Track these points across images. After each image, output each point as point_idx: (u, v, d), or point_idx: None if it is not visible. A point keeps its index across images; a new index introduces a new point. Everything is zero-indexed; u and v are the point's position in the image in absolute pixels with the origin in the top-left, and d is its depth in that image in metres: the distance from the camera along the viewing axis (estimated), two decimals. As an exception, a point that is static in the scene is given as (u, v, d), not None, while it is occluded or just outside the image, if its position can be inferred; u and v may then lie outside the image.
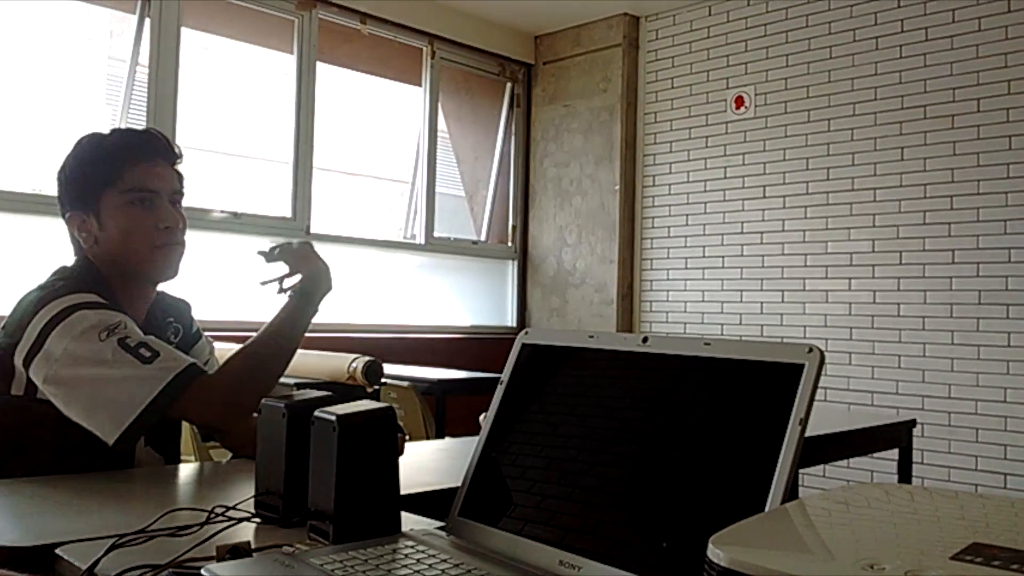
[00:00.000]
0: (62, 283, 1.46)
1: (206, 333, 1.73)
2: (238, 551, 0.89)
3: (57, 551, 0.94)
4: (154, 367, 1.36)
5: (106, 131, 1.59)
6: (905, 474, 2.83)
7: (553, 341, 1.07)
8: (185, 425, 1.69)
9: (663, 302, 4.91)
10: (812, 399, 0.79)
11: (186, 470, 1.52)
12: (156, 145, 1.55)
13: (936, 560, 0.57)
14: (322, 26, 4.49)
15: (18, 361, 1.39)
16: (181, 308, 1.69)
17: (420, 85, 5.05)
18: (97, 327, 1.37)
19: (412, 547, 0.94)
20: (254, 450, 1.14)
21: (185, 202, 1.60)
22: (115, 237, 1.50)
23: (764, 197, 4.50)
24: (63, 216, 1.54)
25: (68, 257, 1.57)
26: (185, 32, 4.00)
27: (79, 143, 1.55)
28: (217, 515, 1.02)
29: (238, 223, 4.12)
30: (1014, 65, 3.74)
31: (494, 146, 5.51)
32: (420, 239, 4.98)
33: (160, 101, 3.87)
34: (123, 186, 1.50)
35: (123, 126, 3.71)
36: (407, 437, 1.45)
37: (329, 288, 1.57)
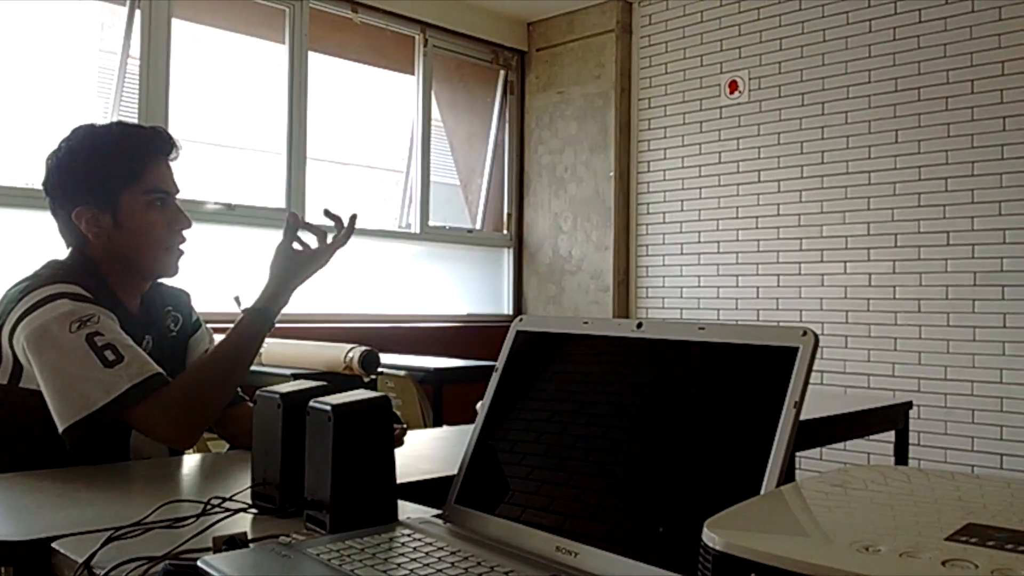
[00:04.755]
0: (49, 273, 1.46)
1: (202, 325, 1.73)
2: (235, 542, 0.89)
3: (53, 545, 0.94)
4: (114, 372, 1.35)
5: (106, 124, 1.58)
6: (901, 456, 2.84)
7: (548, 328, 1.07)
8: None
9: (659, 288, 4.91)
10: (807, 382, 0.79)
11: (182, 462, 1.52)
12: (169, 143, 1.55)
13: (932, 541, 0.57)
14: (313, 15, 4.47)
15: (4, 350, 1.39)
16: (180, 297, 1.69)
17: (413, 73, 5.03)
18: (70, 316, 1.36)
19: (409, 535, 0.94)
20: (250, 441, 1.14)
21: (179, 194, 1.59)
22: (130, 236, 1.50)
23: (759, 182, 4.49)
24: (63, 209, 1.50)
25: (60, 252, 1.55)
26: (175, 23, 3.97)
27: (81, 135, 1.52)
28: (213, 506, 1.02)
29: (232, 214, 4.11)
30: (1008, 46, 3.73)
31: (488, 134, 5.49)
32: (415, 228, 4.98)
33: (152, 93, 3.85)
34: (145, 186, 1.51)
35: (116, 118, 3.68)
36: (406, 427, 1.44)
37: (285, 303, 1.54)
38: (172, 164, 1.57)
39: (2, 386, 1.40)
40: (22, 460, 1.39)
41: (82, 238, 1.50)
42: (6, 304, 1.42)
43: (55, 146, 1.53)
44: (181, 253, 1.58)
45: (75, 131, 1.53)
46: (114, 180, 1.49)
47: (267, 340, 2.05)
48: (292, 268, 1.54)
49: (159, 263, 1.55)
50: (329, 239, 1.60)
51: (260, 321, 1.50)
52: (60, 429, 1.34)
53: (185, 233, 1.57)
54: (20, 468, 1.37)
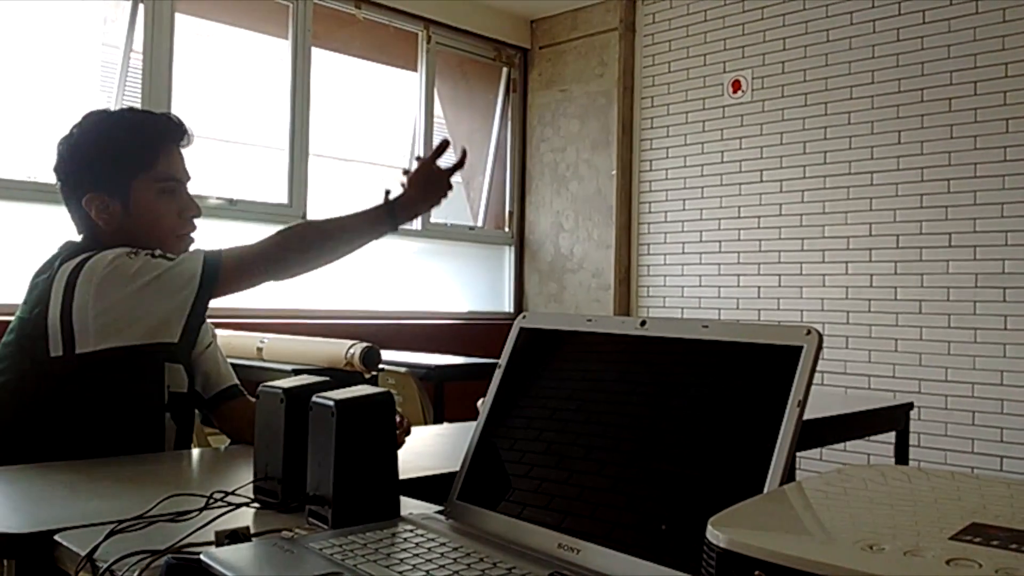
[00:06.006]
0: (73, 248, 1.48)
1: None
2: (237, 536, 0.89)
3: (56, 537, 0.94)
4: (186, 255, 1.44)
5: (118, 110, 1.58)
6: (902, 457, 2.84)
7: (551, 325, 1.07)
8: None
9: (660, 287, 4.91)
10: (810, 381, 0.79)
11: (185, 456, 1.52)
12: (181, 130, 1.56)
13: (935, 540, 0.57)
14: (317, 11, 4.47)
15: (52, 319, 1.38)
16: None
17: (416, 70, 5.02)
18: (121, 254, 1.40)
19: (411, 531, 0.94)
20: (251, 436, 1.14)
21: (190, 181, 1.60)
22: (140, 223, 1.51)
23: (761, 181, 4.49)
24: (75, 195, 1.50)
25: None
26: (179, 18, 3.97)
27: (93, 121, 1.52)
28: (216, 500, 1.02)
29: (234, 209, 4.11)
30: (1011, 48, 3.73)
31: (491, 131, 5.49)
32: (417, 225, 4.97)
33: (155, 87, 3.85)
34: (157, 174, 1.52)
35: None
36: (407, 421, 1.44)
37: (411, 219, 1.60)
38: (183, 151, 1.57)
39: (59, 358, 1.38)
40: (69, 433, 1.39)
41: (93, 225, 1.51)
42: (41, 286, 1.42)
43: (67, 131, 1.53)
44: (191, 240, 1.59)
45: (87, 116, 1.53)
46: (125, 168, 1.49)
47: (268, 336, 2.06)
48: (429, 190, 1.59)
49: (168, 251, 1.55)
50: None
51: (385, 221, 1.55)
52: (177, 331, 1.39)
53: (195, 221, 1.58)
54: (66, 442, 1.38)
